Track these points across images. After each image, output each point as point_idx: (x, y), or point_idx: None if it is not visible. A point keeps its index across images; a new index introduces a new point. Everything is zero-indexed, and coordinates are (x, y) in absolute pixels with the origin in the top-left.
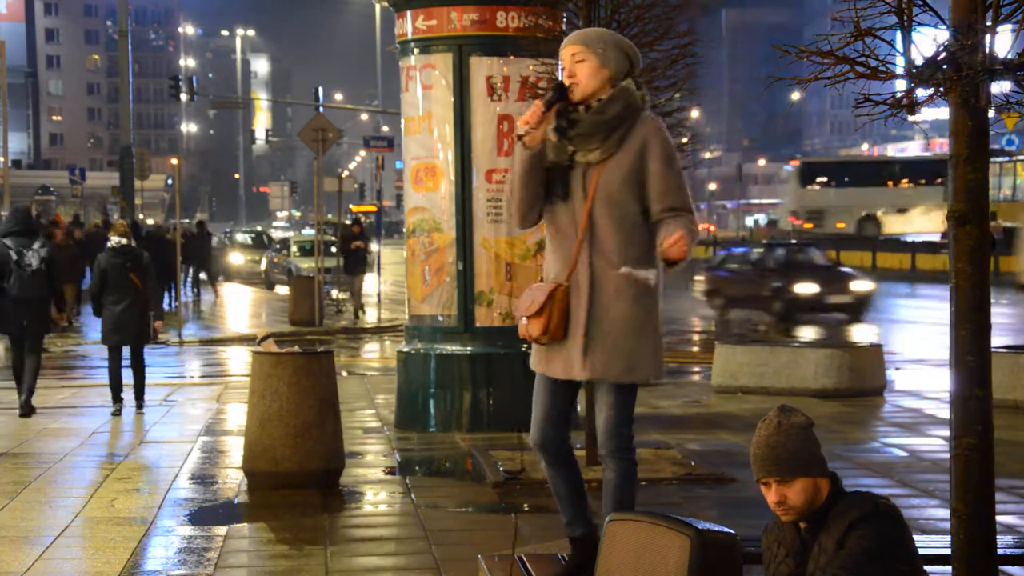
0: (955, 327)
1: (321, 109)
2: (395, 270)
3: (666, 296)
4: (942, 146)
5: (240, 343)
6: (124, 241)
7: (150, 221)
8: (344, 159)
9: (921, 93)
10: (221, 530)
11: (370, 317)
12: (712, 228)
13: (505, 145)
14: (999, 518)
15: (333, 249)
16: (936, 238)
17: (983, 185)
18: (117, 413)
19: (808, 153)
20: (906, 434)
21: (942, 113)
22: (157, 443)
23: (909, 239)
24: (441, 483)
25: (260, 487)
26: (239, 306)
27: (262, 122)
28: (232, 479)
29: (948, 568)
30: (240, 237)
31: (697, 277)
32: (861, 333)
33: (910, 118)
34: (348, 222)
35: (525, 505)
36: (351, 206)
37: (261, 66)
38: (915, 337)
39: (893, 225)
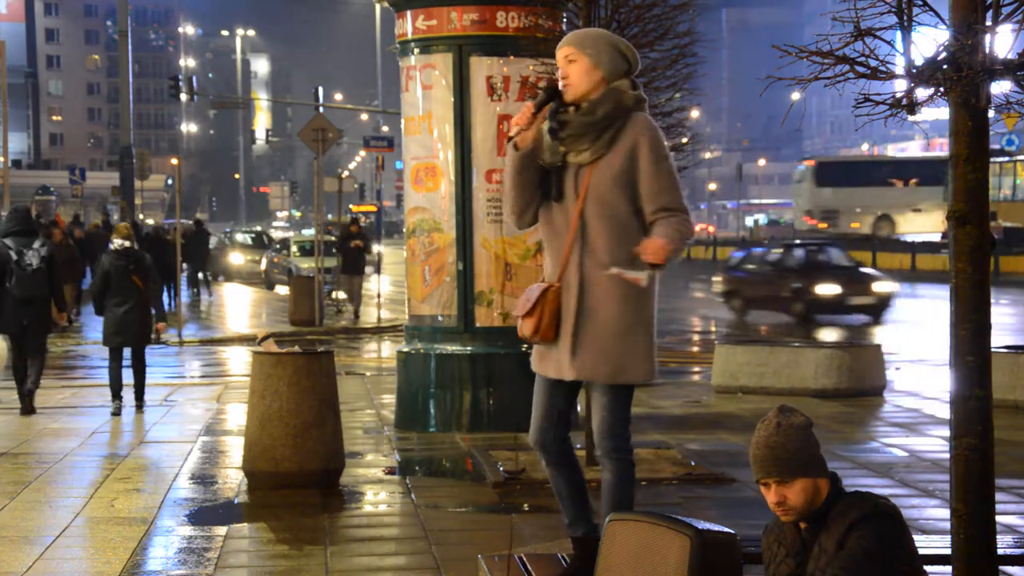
0: (955, 327)
1: (321, 109)
2: (395, 270)
3: (686, 297)
4: (942, 146)
5: (240, 343)
6: (127, 243)
7: (150, 221)
8: (344, 159)
9: (921, 93)
10: (221, 530)
11: (370, 317)
12: (711, 229)
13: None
14: (999, 518)
15: (334, 249)
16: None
17: (983, 185)
18: (117, 413)
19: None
20: (906, 434)
21: (942, 113)
22: (157, 443)
23: (909, 239)
24: (441, 483)
25: (260, 487)
26: (239, 306)
27: (262, 122)
28: (232, 479)
29: (948, 568)
30: (240, 237)
31: (715, 278)
32: (887, 336)
33: (910, 118)
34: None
35: (525, 505)
36: (351, 206)
37: (261, 66)
38: (915, 337)
39: (908, 225)
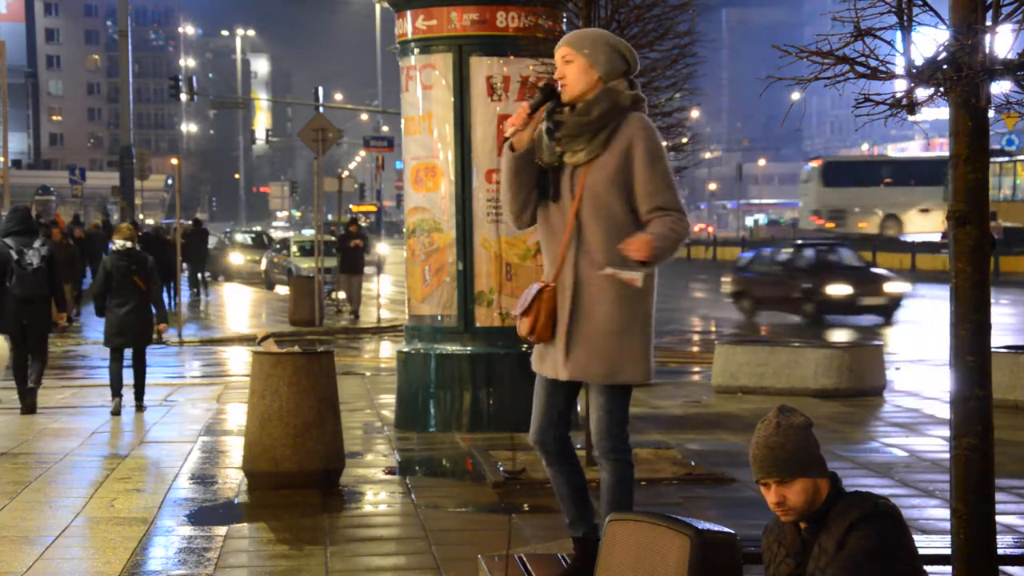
0: (955, 327)
1: (321, 109)
2: (398, 270)
3: (686, 297)
4: (942, 146)
5: (240, 343)
6: (129, 244)
7: (149, 221)
8: (344, 159)
9: (921, 93)
10: (221, 530)
11: (370, 317)
12: (711, 229)
13: None
14: (999, 518)
15: (334, 249)
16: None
17: (983, 185)
18: (116, 412)
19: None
20: (906, 434)
21: (942, 113)
22: (157, 443)
23: (909, 239)
24: (441, 483)
25: (260, 487)
26: (239, 306)
27: (262, 122)
28: (232, 479)
29: (948, 568)
30: (240, 237)
31: (724, 278)
32: (902, 338)
33: (910, 118)
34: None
35: (525, 505)
36: (351, 206)
37: (261, 66)
38: (915, 337)
39: (914, 225)
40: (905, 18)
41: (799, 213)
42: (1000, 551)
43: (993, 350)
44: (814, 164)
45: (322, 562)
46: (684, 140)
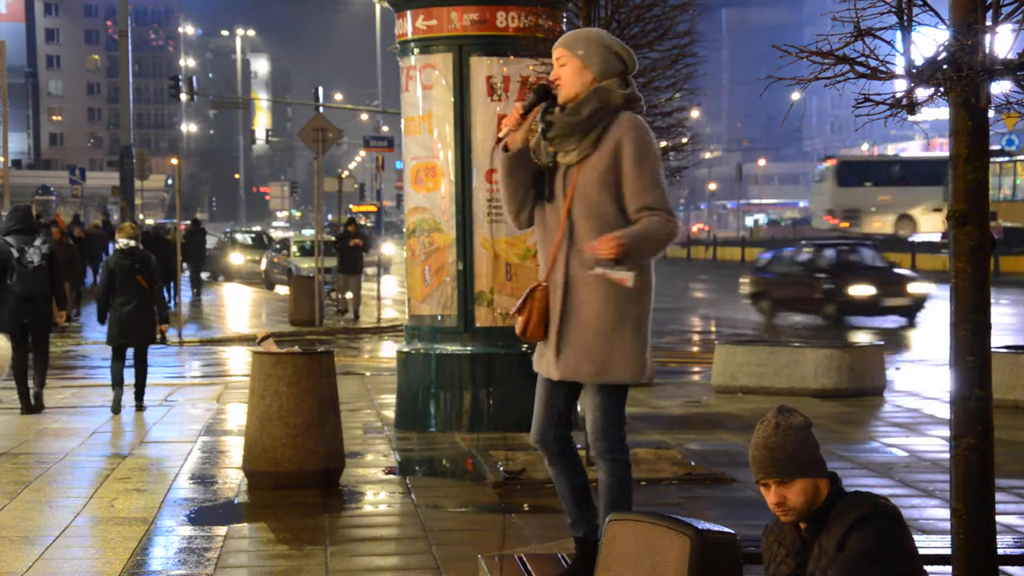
0: (955, 327)
1: (321, 109)
2: (400, 270)
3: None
4: (942, 146)
5: (240, 343)
6: (132, 243)
7: (149, 221)
8: (344, 159)
9: (921, 93)
10: (221, 530)
11: (370, 317)
12: (707, 228)
13: None
14: (999, 518)
15: (334, 249)
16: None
17: (983, 185)
18: (117, 406)
19: (808, 153)
20: (906, 434)
21: (942, 113)
22: (157, 443)
23: (918, 239)
24: (441, 483)
25: (260, 487)
26: (239, 306)
27: (262, 122)
28: (232, 479)
29: (948, 568)
30: (240, 237)
31: (742, 279)
32: (901, 338)
33: (910, 118)
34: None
35: (525, 505)
36: (351, 206)
37: (261, 66)
38: (915, 337)
39: (929, 224)
40: (905, 18)
41: (813, 212)
42: (1000, 551)
43: (993, 350)
44: (828, 163)
45: (322, 562)
46: (684, 140)
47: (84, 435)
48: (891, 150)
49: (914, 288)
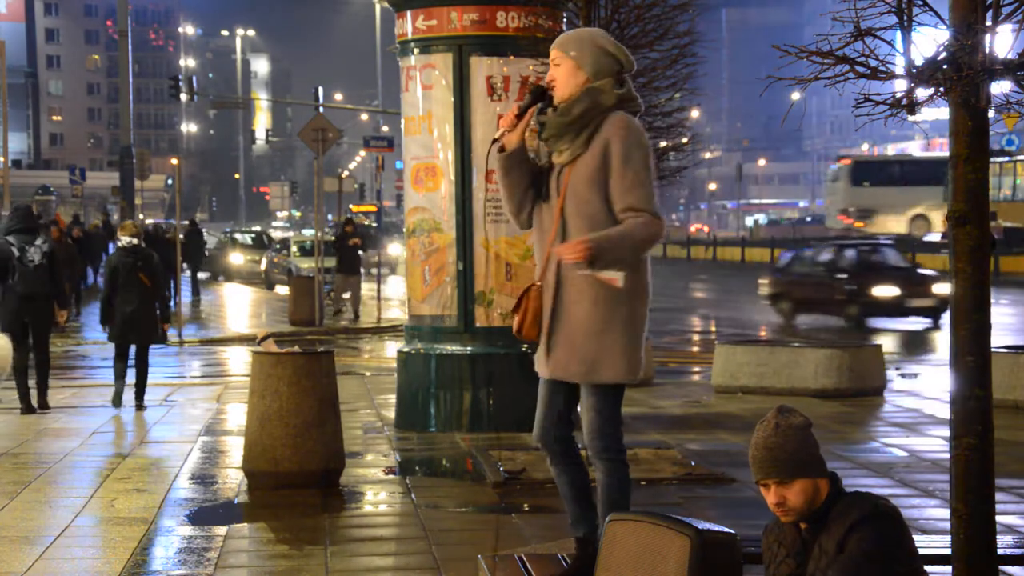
0: (955, 327)
1: (321, 109)
2: (402, 270)
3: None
4: (942, 146)
5: (240, 343)
6: (135, 241)
7: (149, 221)
8: (344, 159)
9: (921, 93)
10: (221, 530)
11: (370, 317)
12: (707, 228)
13: None
14: (999, 518)
15: (333, 249)
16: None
17: (983, 185)
18: (117, 399)
19: (808, 153)
20: (906, 434)
21: (942, 113)
22: (157, 443)
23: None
24: (441, 483)
25: (260, 487)
26: (239, 306)
27: (262, 122)
28: (232, 479)
29: (948, 568)
30: (240, 237)
31: (761, 280)
32: (900, 339)
33: (910, 118)
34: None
35: (525, 505)
36: (351, 206)
37: (261, 66)
38: (915, 337)
39: (943, 225)
40: (905, 18)
41: (826, 212)
42: (1000, 551)
43: (993, 350)
44: (843, 163)
45: (322, 562)
46: (684, 140)
47: (84, 435)
48: (891, 150)
49: (939, 288)
